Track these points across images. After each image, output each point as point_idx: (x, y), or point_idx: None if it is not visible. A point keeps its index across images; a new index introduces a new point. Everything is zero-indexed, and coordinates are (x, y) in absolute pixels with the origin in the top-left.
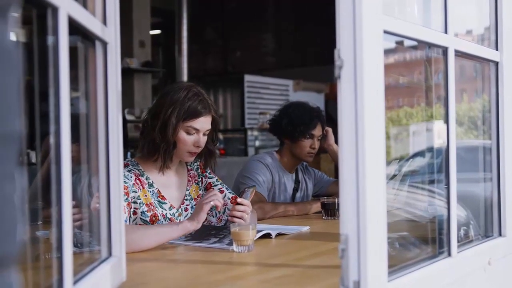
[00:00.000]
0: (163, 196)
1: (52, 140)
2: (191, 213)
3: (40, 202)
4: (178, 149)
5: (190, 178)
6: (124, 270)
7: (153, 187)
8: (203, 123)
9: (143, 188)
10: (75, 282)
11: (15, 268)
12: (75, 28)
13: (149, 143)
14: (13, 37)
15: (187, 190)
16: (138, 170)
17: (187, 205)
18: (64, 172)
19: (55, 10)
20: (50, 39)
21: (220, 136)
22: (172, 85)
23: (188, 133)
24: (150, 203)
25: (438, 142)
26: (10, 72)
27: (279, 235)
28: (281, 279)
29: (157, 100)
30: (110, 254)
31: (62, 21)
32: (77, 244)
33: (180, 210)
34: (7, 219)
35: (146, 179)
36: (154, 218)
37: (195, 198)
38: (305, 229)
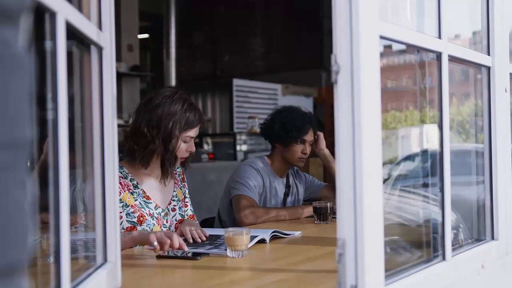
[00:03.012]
0: (148, 196)
1: (49, 145)
2: (179, 213)
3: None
4: None
5: (176, 181)
6: (120, 276)
7: (138, 188)
8: (197, 130)
9: (125, 191)
10: None
11: (25, 274)
12: (70, 33)
13: (149, 154)
14: (24, 43)
15: (174, 191)
16: (121, 173)
17: (174, 205)
18: (62, 177)
19: (53, 15)
20: (47, 44)
21: (209, 140)
22: (161, 94)
23: (185, 142)
24: (135, 205)
25: (428, 146)
26: (22, 78)
27: (274, 238)
28: (278, 283)
29: (149, 110)
30: (105, 260)
31: (60, 26)
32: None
33: (166, 210)
34: (19, 226)
35: (131, 180)
36: (141, 218)
37: (181, 200)
38: (297, 233)
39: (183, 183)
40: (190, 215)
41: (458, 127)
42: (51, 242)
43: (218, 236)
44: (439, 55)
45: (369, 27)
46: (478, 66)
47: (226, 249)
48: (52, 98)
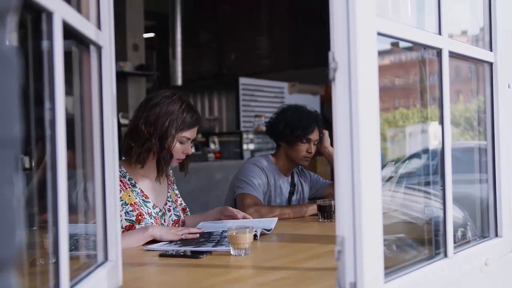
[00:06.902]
0: (146, 195)
1: (47, 145)
2: (174, 214)
3: (35, 208)
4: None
5: (169, 182)
6: (121, 274)
7: (136, 187)
8: (194, 132)
9: (126, 189)
10: (72, 287)
11: (13, 271)
12: (69, 32)
13: (146, 152)
14: (11, 42)
15: (168, 192)
16: (120, 172)
17: (169, 206)
18: (60, 177)
19: (49, 14)
20: (44, 44)
21: (215, 139)
22: (160, 94)
23: (181, 142)
24: (134, 203)
25: (434, 143)
26: (9, 77)
27: (279, 236)
28: (279, 281)
29: (147, 108)
30: (106, 258)
31: (57, 25)
32: (72, 248)
33: (163, 210)
34: (6, 223)
35: (129, 180)
36: (140, 217)
37: (174, 201)
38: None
39: (174, 185)
40: (182, 208)
41: (465, 124)
42: (49, 241)
43: (210, 235)
44: (439, 52)
45: (366, 23)
46: (480, 62)
47: (227, 246)
48: (50, 99)
